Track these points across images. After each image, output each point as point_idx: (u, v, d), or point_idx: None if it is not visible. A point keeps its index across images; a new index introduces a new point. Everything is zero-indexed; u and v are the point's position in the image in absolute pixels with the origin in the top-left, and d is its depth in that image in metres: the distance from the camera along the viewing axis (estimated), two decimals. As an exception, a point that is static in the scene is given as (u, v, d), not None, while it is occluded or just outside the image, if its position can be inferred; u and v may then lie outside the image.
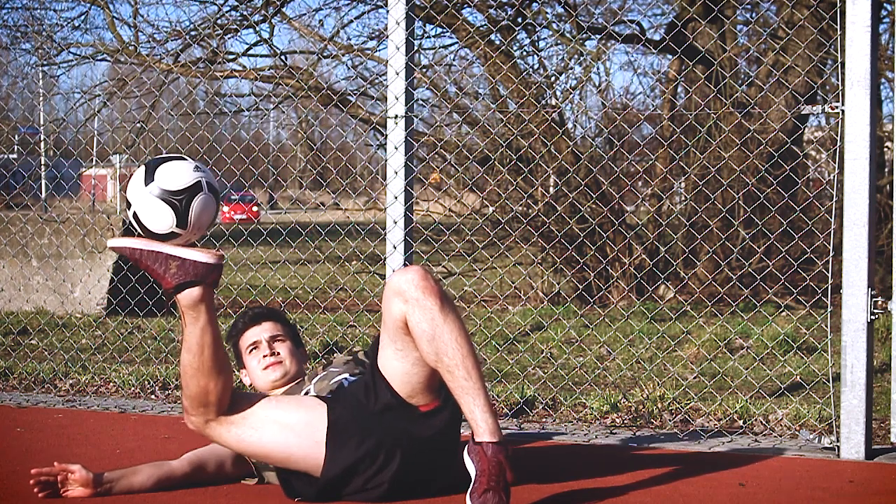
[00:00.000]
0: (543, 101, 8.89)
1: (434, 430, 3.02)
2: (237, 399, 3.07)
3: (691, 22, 8.52)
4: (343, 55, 9.06)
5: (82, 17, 9.37)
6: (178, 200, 2.93)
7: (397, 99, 4.56)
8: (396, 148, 4.56)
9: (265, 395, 3.18)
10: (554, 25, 9.27)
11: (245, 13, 8.88)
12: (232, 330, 3.62)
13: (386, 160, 4.65)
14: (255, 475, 3.31)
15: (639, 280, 8.27)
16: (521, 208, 8.67)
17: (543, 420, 4.60)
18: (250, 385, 3.58)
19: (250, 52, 9.21)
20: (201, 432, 3.07)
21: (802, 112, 4.10)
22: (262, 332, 3.53)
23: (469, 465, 2.83)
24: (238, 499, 3.16)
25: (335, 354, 3.90)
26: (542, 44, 9.51)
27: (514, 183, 8.31)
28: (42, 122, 9.18)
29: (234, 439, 3.05)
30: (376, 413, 3.00)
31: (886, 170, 8.53)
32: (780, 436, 4.19)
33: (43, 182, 11.40)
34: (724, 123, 8.08)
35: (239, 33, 9.12)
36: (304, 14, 9.95)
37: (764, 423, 4.32)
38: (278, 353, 3.50)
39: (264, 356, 3.48)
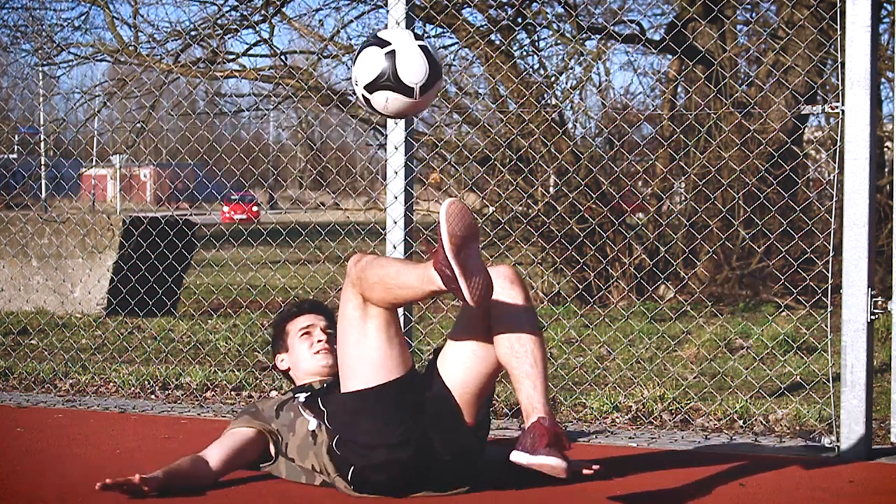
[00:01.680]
0: (543, 101, 8.89)
1: (454, 450, 3.09)
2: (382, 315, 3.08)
3: (691, 22, 8.52)
4: (343, 55, 9.06)
5: (82, 18, 9.37)
6: (437, 66, 2.95)
7: (397, 99, 4.55)
8: (396, 148, 4.56)
9: (390, 319, 3.10)
10: (554, 25, 9.27)
11: (245, 13, 8.88)
12: (283, 313, 3.66)
13: (386, 160, 4.65)
14: (273, 459, 3.34)
15: (639, 280, 8.27)
16: (521, 208, 8.67)
17: (543, 420, 4.60)
18: (285, 371, 3.59)
19: (250, 52, 9.20)
20: (347, 275, 3.10)
21: (802, 112, 4.11)
22: (315, 320, 3.59)
23: (520, 457, 2.85)
24: (237, 500, 3.16)
25: None
26: (542, 44, 9.52)
27: (515, 183, 8.31)
28: (42, 122, 9.18)
29: (349, 310, 3.09)
30: (429, 400, 3.09)
31: (886, 170, 8.53)
32: (780, 436, 4.19)
33: (43, 182, 11.40)
34: (724, 123, 8.08)
35: (239, 33, 9.13)
36: (304, 14, 9.93)
37: (764, 423, 4.32)
38: (330, 343, 3.52)
39: (318, 341, 3.52)
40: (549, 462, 2.80)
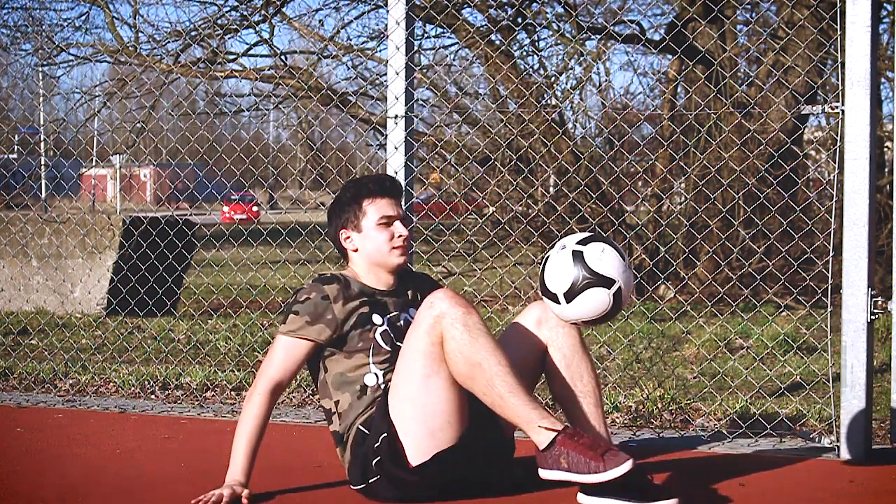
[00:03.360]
0: (543, 102, 8.89)
1: (506, 478, 3.17)
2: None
3: (691, 22, 8.52)
4: (343, 55, 9.07)
5: (82, 18, 9.38)
6: (585, 277, 2.97)
7: (397, 99, 4.56)
8: (396, 148, 4.56)
9: (456, 393, 3.00)
10: (554, 25, 9.27)
11: (245, 13, 8.88)
12: (362, 186, 3.31)
13: (386, 160, 4.66)
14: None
15: (639, 280, 8.28)
16: (521, 208, 8.67)
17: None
18: (353, 250, 3.30)
19: (250, 52, 9.22)
20: (440, 309, 2.98)
21: (802, 112, 4.10)
22: (397, 207, 3.30)
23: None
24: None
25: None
26: (542, 44, 9.52)
27: (515, 183, 8.31)
28: (42, 123, 9.18)
29: (427, 344, 2.99)
30: (489, 443, 3.11)
31: (886, 170, 8.53)
32: (780, 436, 4.19)
33: (43, 182, 11.41)
34: (724, 123, 8.08)
35: (239, 33, 9.13)
36: (304, 14, 9.95)
37: (764, 423, 4.32)
38: (409, 240, 3.32)
39: (400, 236, 3.26)
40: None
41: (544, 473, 2.89)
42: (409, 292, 3.34)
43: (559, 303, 3.01)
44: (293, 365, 3.18)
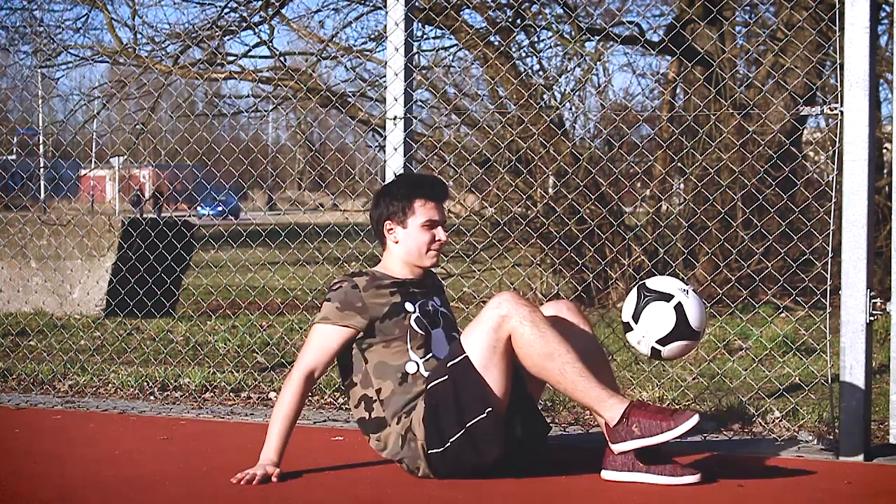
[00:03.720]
0: (542, 103, 8.89)
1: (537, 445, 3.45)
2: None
3: (690, 23, 8.53)
4: (342, 56, 9.07)
5: (81, 20, 9.38)
6: (644, 296, 3.28)
7: (396, 100, 4.57)
8: (395, 149, 4.56)
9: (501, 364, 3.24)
10: (553, 27, 9.27)
11: (244, 14, 8.88)
12: (416, 183, 3.55)
13: (385, 161, 4.66)
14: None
15: (638, 281, 8.27)
16: (520, 209, 8.67)
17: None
18: (393, 241, 3.50)
19: (249, 53, 9.22)
20: (507, 309, 3.21)
21: (801, 113, 4.11)
22: (442, 213, 3.52)
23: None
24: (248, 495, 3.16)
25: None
26: (541, 45, 9.52)
27: (514, 184, 8.31)
28: (41, 124, 9.18)
29: (490, 335, 3.21)
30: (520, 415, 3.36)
31: (885, 171, 8.53)
32: (780, 436, 4.19)
33: (42, 183, 11.41)
34: (724, 125, 8.09)
35: (238, 35, 9.13)
36: (304, 15, 9.95)
37: (763, 423, 4.32)
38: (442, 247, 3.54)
39: (438, 240, 3.48)
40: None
41: (617, 447, 3.17)
42: (430, 283, 3.57)
43: (632, 329, 3.30)
44: (327, 353, 3.37)
